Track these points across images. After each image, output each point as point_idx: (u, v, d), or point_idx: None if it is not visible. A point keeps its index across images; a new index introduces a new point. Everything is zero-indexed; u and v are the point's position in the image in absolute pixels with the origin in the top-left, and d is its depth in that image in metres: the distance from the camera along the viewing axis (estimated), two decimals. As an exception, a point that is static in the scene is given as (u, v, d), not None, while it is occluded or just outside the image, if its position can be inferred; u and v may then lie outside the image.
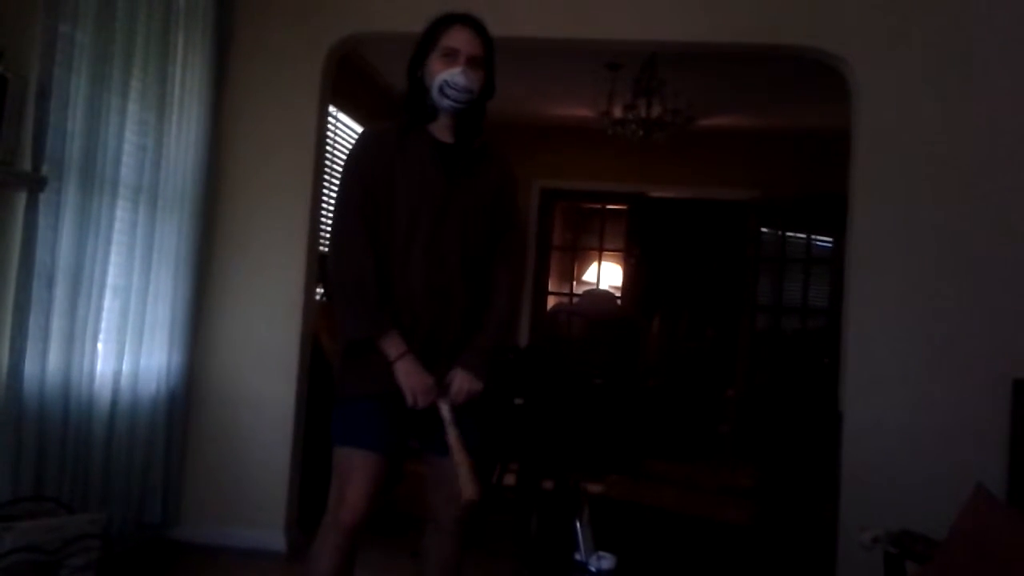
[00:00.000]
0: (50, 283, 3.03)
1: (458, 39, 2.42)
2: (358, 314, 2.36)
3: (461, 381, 2.40)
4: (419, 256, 2.39)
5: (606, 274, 8.44)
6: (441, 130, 2.49)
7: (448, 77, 2.40)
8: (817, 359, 6.74)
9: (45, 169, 2.98)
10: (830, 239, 7.24)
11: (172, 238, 3.79)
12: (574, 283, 8.45)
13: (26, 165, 2.94)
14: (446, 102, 2.42)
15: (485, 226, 2.49)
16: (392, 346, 2.34)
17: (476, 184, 2.49)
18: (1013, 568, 1.93)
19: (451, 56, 2.41)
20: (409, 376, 2.33)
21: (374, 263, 2.35)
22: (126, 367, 3.55)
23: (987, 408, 3.50)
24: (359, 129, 5.78)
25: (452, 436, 2.33)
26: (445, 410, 2.36)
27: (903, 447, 3.59)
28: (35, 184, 2.96)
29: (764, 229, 7.35)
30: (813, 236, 7.40)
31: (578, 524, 2.33)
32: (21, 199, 2.95)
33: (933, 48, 3.73)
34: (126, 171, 3.46)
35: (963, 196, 3.66)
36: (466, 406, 2.41)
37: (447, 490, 2.43)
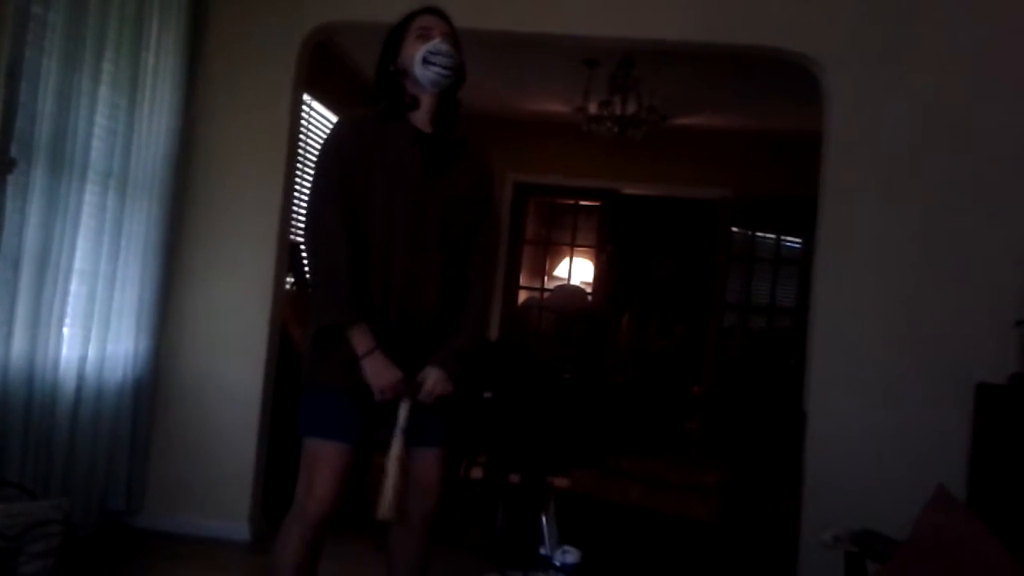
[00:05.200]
0: (16, 266, 3.00)
1: (429, 21, 2.49)
2: (328, 301, 2.33)
3: (434, 381, 2.38)
4: (398, 245, 2.37)
5: (577, 270, 8.45)
6: (420, 120, 2.48)
7: (431, 47, 2.43)
8: (784, 359, 6.82)
9: (13, 151, 2.94)
10: (799, 240, 7.32)
11: (141, 224, 3.75)
12: (545, 278, 8.46)
13: (-7, 146, 2.91)
14: (433, 70, 2.43)
15: (463, 217, 2.48)
16: (361, 341, 2.32)
17: (454, 174, 2.47)
18: (970, 570, 1.97)
19: (426, 33, 2.46)
20: (376, 373, 2.31)
21: (349, 251, 2.33)
22: (92, 353, 3.51)
23: (950, 411, 3.54)
24: (333, 118, 5.74)
25: (396, 445, 2.33)
26: (403, 414, 2.34)
27: (866, 447, 3.64)
28: (3, 166, 2.91)
29: (734, 228, 7.40)
30: (782, 237, 7.48)
31: (544, 518, 2.34)
32: (-12, 180, 2.91)
33: (905, 51, 3.77)
34: (96, 155, 3.42)
35: (932, 200, 3.71)
36: (438, 403, 2.40)
37: (414, 483, 2.42)
